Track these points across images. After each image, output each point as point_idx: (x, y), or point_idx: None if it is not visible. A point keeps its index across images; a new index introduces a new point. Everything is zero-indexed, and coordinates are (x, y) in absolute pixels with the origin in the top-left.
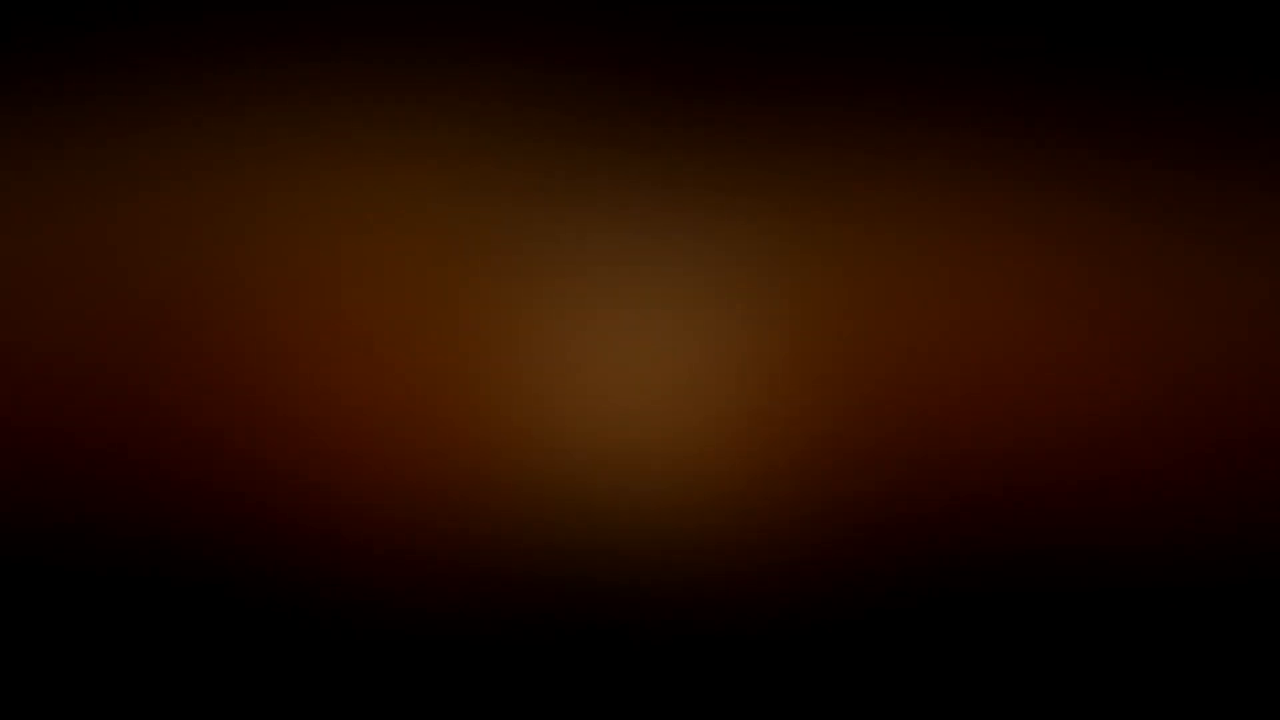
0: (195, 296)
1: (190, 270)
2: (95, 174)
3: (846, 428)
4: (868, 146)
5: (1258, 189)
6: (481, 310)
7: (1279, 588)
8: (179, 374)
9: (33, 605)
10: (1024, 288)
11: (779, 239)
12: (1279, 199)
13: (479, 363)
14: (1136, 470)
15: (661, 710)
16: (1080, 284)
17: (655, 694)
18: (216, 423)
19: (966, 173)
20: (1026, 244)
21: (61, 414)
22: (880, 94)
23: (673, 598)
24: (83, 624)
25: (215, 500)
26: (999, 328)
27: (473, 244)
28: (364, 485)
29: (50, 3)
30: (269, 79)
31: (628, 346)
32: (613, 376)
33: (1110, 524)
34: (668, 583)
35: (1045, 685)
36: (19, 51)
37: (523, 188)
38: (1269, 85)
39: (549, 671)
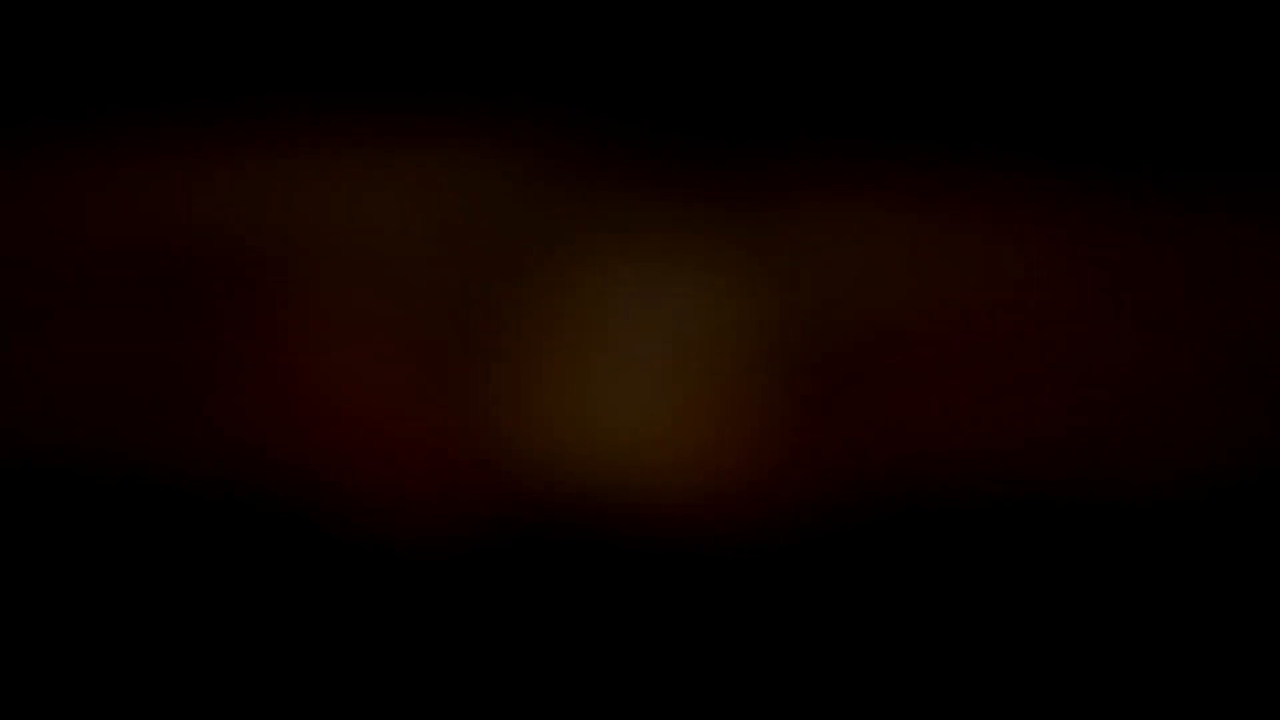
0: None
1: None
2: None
3: (830, 419)
4: (845, 178)
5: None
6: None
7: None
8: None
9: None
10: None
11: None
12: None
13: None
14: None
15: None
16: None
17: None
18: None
19: (938, 197)
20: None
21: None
22: (859, 149)
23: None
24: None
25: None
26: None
27: (493, 266)
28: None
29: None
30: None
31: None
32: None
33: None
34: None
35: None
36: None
37: (535, 217)
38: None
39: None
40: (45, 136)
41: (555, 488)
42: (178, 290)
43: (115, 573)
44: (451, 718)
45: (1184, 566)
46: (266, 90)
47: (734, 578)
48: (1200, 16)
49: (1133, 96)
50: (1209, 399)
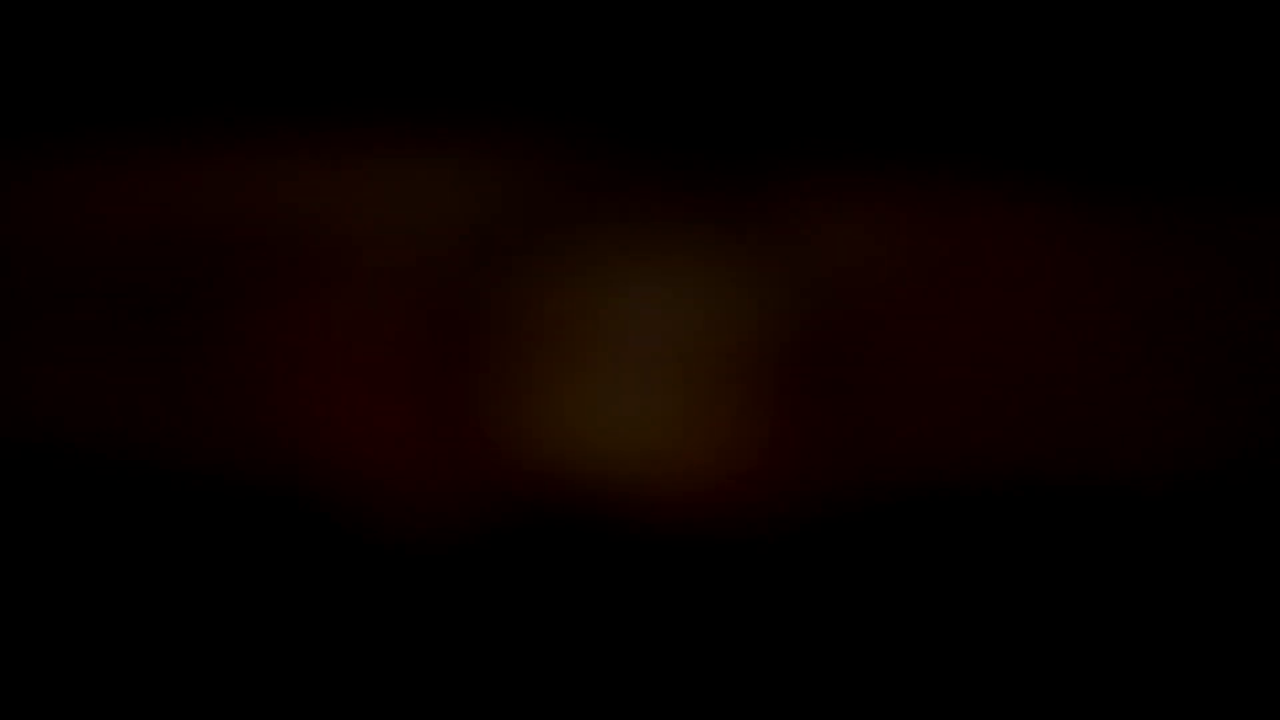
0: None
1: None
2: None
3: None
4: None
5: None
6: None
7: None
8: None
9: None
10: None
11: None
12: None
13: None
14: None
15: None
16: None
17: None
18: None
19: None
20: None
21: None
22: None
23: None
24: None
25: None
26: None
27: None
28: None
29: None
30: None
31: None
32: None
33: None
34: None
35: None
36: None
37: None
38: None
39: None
40: (52, 141)
41: (555, 484)
42: (182, 290)
43: (116, 565)
44: (452, 712)
45: (1180, 564)
46: (275, 99)
47: (732, 572)
48: (1196, 23)
49: (1127, 103)
50: (1203, 396)
